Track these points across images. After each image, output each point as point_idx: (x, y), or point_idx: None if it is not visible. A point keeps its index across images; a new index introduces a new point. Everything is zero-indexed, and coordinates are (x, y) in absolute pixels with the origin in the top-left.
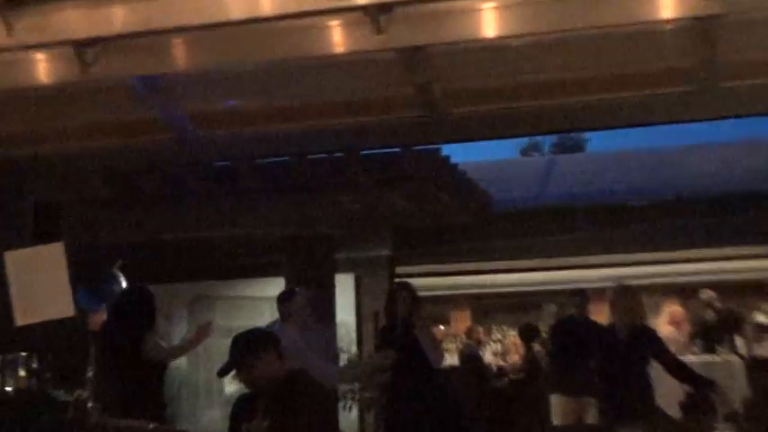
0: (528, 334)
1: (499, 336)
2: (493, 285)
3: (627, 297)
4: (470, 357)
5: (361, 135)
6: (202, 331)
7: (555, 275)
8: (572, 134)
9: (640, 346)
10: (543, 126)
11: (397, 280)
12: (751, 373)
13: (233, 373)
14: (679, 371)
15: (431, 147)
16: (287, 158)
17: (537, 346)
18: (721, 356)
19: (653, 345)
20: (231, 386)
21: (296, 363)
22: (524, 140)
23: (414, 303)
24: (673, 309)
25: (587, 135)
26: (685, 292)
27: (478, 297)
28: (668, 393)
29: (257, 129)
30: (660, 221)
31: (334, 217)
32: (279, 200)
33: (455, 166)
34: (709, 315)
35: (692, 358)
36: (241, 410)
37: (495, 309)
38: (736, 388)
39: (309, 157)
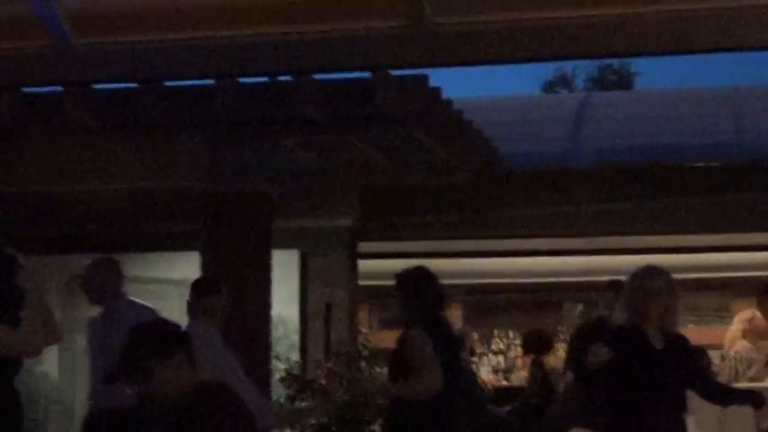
0: (535, 344)
1: (502, 345)
2: (495, 274)
3: (655, 294)
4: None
5: (313, 51)
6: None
7: (583, 262)
8: (614, 62)
9: (677, 365)
10: (572, 47)
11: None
12: None
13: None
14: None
15: (414, 72)
16: (207, 82)
17: (551, 362)
18: None
19: (692, 364)
20: None
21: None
22: (548, 71)
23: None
24: (751, 315)
25: (637, 65)
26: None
27: (474, 290)
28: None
29: (164, 37)
30: (737, 190)
31: (272, 168)
32: (193, 141)
33: (448, 102)
34: None
35: None
36: None
37: (498, 307)
38: None
39: (240, 80)
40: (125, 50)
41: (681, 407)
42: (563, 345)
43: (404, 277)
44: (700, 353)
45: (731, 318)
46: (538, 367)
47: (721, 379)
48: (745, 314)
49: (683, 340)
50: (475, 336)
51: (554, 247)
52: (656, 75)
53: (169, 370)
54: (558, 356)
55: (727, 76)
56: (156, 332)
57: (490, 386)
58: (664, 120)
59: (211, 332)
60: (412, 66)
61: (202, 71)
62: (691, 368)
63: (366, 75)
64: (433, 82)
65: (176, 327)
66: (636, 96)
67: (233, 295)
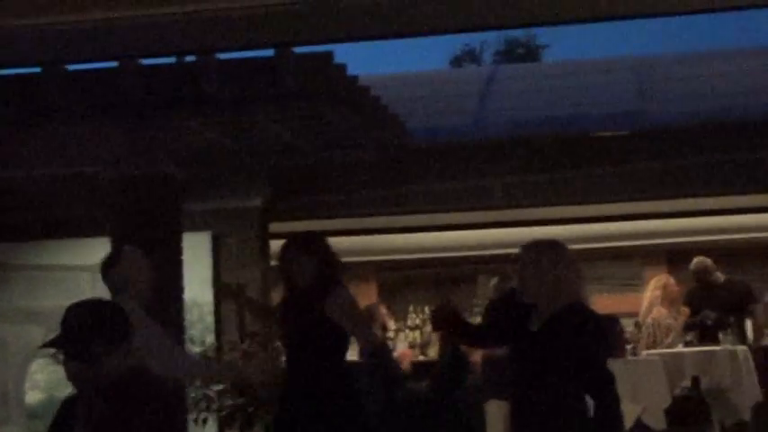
0: (442, 318)
1: (418, 320)
2: (407, 249)
3: (546, 261)
4: (374, 350)
5: (216, 29)
6: None
7: (496, 234)
8: (521, 36)
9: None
10: (479, 19)
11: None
12: (761, 368)
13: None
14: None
15: (318, 49)
16: (110, 64)
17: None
18: (723, 345)
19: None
20: (36, 393)
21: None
22: (456, 46)
23: (322, 268)
24: (663, 281)
25: (543, 38)
26: (678, 258)
27: (389, 266)
28: (651, 398)
29: (65, 20)
30: (643, 159)
31: (180, 150)
32: (97, 124)
33: (354, 78)
34: (707, 291)
35: (686, 350)
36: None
37: (412, 282)
38: (744, 386)
39: (144, 62)
40: (26, 34)
41: (572, 381)
42: (478, 318)
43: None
44: (611, 321)
45: (643, 286)
46: (447, 341)
47: (639, 347)
48: (659, 280)
49: (578, 312)
50: (383, 310)
51: (466, 220)
52: (562, 47)
53: (113, 355)
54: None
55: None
56: (96, 307)
57: (408, 362)
58: (570, 91)
59: (131, 306)
60: (316, 42)
61: (105, 53)
62: (582, 341)
63: (270, 52)
64: (338, 58)
65: (114, 303)
66: (543, 69)
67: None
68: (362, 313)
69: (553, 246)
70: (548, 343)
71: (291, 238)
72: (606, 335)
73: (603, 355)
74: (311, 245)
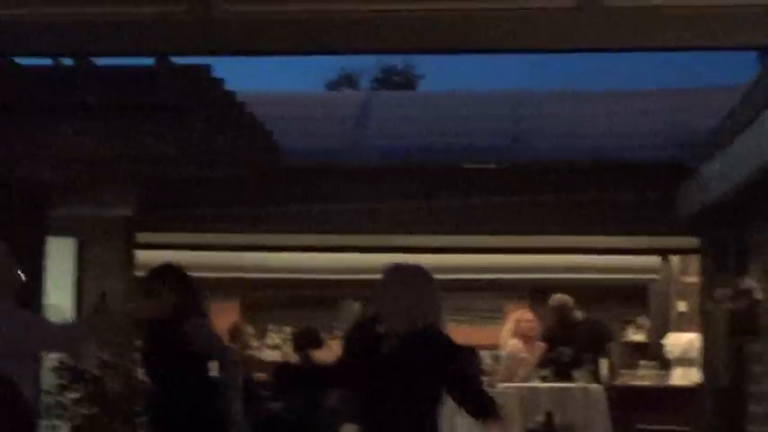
0: (304, 341)
1: (277, 340)
2: (272, 268)
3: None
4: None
5: (95, 35)
6: None
7: (361, 259)
8: (399, 64)
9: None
10: (360, 41)
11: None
12: (615, 407)
13: None
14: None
15: (197, 61)
16: None
17: (322, 357)
18: (578, 383)
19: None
20: None
21: None
22: (334, 69)
23: (182, 300)
24: (520, 315)
25: (421, 67)
26: (538, 294)
27: (252, 284)
28: None
29: None
30: (513, 192)
31: (48, 155)
32: None
33: (231, 94)
34: (565, 328)
35: (542, 385)
36: None
37: (275, 302)
38: (596, 425)
39: (18, 60)
40: None
41: (424, 407)
42: (338, 341)
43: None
44: (468, 353)
45: (504, 319)
46: (307, 363)
47: (496, 379)
48: (516, 314)
49: (431, 336)
50: (250, 329)
51: (332, 243)
52: (439, 77)
53: None
54: (331, 352)
55: (506, 80)
56: None
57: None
58: (445, 120)
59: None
60: (195, 54)
61: None
62: (440, 368)
63: (149, 62)
64: (216, 72)
65: None
66: (419, 97)
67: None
68: (221, 341)
69: (412, 270)
70: (400, 366)
71: (154, 270)
72: (459, 364)
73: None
74: (172, 277)
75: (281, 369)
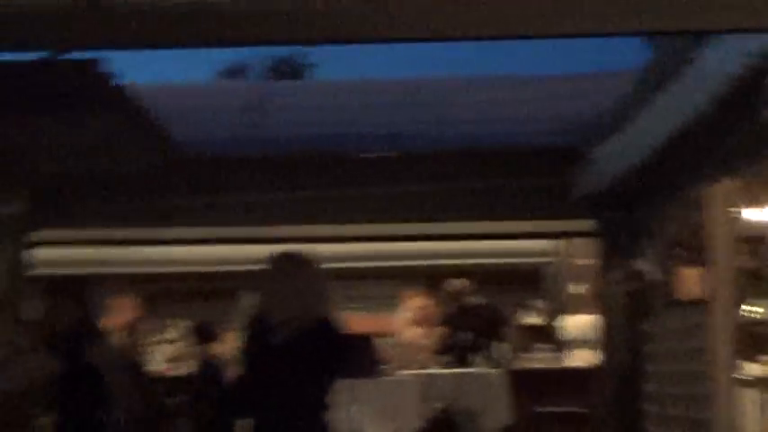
0: (200, 335)
1: (175, 334)
2: (170, 262)
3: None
4: (130, 363)
5: None
6: None
7: (258, 251)
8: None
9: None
10: (252, 34)
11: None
12: (515, 390)
13: None
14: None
15: (87, 55)
16: None
17: (219, 350)
18: (477, 368)
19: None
20: None
21: None
22: (225, 60)
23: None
24: (417, 302)
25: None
26: (436, 280)
27: (150, 278)
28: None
29: None
30: (405, 182)
31: None
32: None
33: (120, 86)
34: (461, 313)
35: (439, 371)
36: None
37: (173, 296)
38: (495, 409)
39: None
40: None
41: (316, 397)
42: (235, 333)
43: None
44: (363, 340)
45: (399, 306)
46: (204, 357)
47: (394, 366)
48: (412, 301)
49: (324, 328)
50: (147, 323)
51: (228, 235)
52: (331, 67)
53: None
54: (228, 345)
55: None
56: None
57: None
58: (340, 110)
59: None
60: (86, 47)
61: None
62: (330, 357)
63: (37, 55)
64: (106, 66)
65: None
66: (312, 87)
67: None
68: (118, 352)
69: (298, 259)
70: (288, 359)
71: (54, 287)
72: (352, 353)
73: (346, 372)
74: (72, 295)
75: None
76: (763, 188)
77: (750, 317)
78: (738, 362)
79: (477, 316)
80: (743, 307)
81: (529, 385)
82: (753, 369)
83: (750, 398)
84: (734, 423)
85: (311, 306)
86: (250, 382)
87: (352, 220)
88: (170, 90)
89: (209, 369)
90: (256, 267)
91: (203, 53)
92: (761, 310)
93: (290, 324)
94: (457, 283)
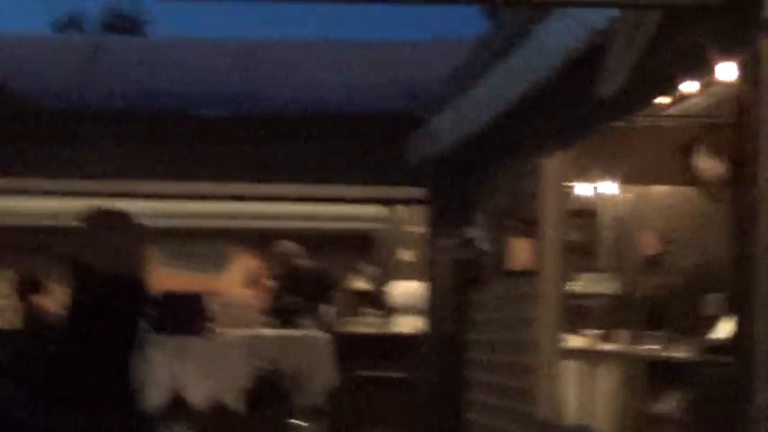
0: (24, 287)
1: (6, 290)
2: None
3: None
4: None
5: None
6: None
7: (91, 205)
8: (126, 8)
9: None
10: None
11: None
12: (341, 354)
13: None
14: None
15: None
16: None
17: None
18: (303, 330)
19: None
20: None
21: None
22: (60, 12)
23: None
24: (245, 262)
25: (150, 12)
26: (265, 241)
27: None
28: (230, 378)
29: None
30: (240, 142)
31: None
32: None
33: None
34: (291, 275)
35: (266, 332)
36: None
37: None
38: (320, 372)
39: None
40: None
41: (124, 352)
42: (60, 287)
43: None
44: (188, 298)
45: (228, 266)
46: (29, 310)
47: (221, 326)
48: (241, 261)
49: (137, 284)
50: None
51: (61, 188)
52: (168, 23)
53: None
54: (54, 298)
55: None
56: None
57: None
58: (177, 68)
59: None
60: None
61: None
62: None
63: None
64: None
65: None
66: (149, 43)
67: None
68: None
69: (113, 216)
70: (98, 313)
71: None
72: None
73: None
74: None
75: None
76: (596, 164)
77: (575, 290)
78: (562, 334)
79: (307, 279)
80: (569, 281)
81: (354, 349)
82: (575, 341)
83: (572, 369)
84: (555, 392)
85: (124, 262)
86: (69, 337)
87: (184, 178)
88: (3, 41)
89: (34, 322)
90: (78, 223)
91: (35, 3)
92: (586, 283)
93: (102, 279)
94: (287, 245)
